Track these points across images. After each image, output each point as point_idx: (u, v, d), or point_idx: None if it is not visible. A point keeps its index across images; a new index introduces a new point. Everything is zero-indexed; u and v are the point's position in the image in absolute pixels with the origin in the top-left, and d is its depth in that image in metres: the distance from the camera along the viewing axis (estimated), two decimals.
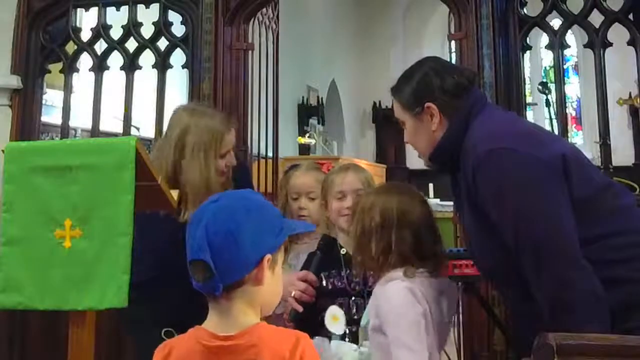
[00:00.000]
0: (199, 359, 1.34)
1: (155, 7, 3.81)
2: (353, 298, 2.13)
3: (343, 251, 2.19)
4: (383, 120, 10.74)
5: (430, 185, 8.36)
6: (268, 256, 1.36)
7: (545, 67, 10.58)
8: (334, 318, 1.81)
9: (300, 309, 2.09)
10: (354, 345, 1.99)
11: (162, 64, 3.75)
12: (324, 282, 2.18)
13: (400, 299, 1.82)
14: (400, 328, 1.79)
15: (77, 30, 3.95)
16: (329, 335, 2.04)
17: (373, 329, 1.87)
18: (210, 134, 2.28)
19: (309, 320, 2.07)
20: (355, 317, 2.08)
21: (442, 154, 1.88)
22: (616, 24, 3.27)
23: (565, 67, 7.02)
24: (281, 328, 1.46)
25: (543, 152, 1.73)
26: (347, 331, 2.04)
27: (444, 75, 1.91)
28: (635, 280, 1.67)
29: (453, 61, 3.89)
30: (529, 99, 8.39)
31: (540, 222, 1.67)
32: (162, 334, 2.01)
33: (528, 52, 3.69)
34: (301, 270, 2.22)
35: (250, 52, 3.77)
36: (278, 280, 1.42)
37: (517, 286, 1.75)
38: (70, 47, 3.95)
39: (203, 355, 1.34)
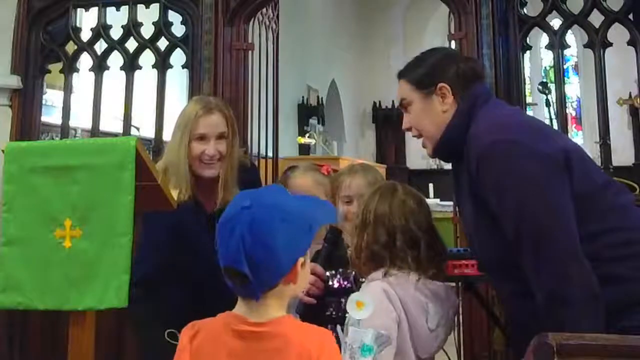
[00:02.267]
0: (227, 342, 1.37)
1: (155, 7, 3.81)
2: None
3: (349, 251, 2.19)
4: (383, 120, 10.75)
5: (430, 185, 8.38)
6: (301, 259, 1.40)
7: (545, 67, 10.59)
8: (359, 304, 1.78)
9: (312, 301, 2.08)
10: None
11: (162, 64, 3.74)
12: (330, 281, 2.18)
13: (374, 302, 1.82)
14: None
15: (77, 30, 3.95)
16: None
17: (351, 323, 1.86)
18: (186, 115, 2.31)
19: (315, 316, 2.06)
20: None
21: (449, 141, 1.86)
22: (616, 24, 3.27)
23: (565, 67, 7.01)
24: (307, 324, 1.49)
25: (547, 145, 1.73)
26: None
27: (459, 60, 1.93)
28: (633, 279, 1.66)
29: None
30: (529, 99, 8.40)
31: (542, 215, 1.66)
32: (166, 335, 2.00)
33: (528, 52, 3.69)
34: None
35: (250, 52, 3.77)
36: (307, 274, 1.48)
37: (515, 281, 1.75)
38: (70, 47, 3.94)
39: (231, 339, 1.37)
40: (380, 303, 1.81)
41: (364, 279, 2.13)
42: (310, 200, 1.56)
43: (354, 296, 1.76)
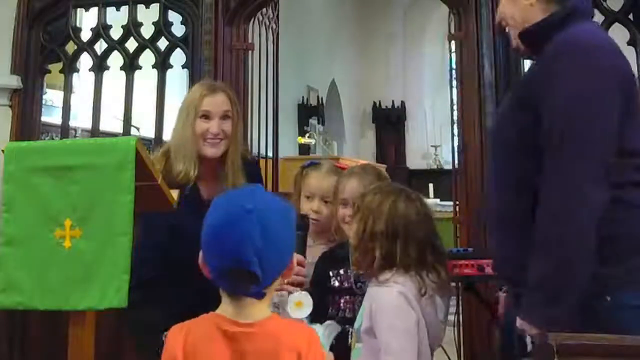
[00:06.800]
0: (218, 344, 1.38)
1: (155, 7, 3.81)
2: (360, 298, 2.12)
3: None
4: (383, 120, 10.76)
5: (430, 185, 8.39)
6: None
7: None
8: (297, 304, 1.83)
9: (296, 290, 2.07)
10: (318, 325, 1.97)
11: (162, 64, 3.74)
12: (331, 281, 2.18)
13: (394, 306, 1.82)
14: (392, 335, 1.79)
15: (77, 30, 3.95)
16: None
17: (365, 331, 1.87)
18: (191, 94, 2.36)
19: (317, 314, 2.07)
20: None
21: (531, 34, 1.87)
22: (616, 24, 3.27)
23: None
24: (293, 321, 1.54)
25: (628, 66, 1.76)
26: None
27: None
28: None
29: (453, 61, 3.88)
30: None
31: (587, 123, 1.64)
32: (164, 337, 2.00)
33: None
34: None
35: (250, 52, 3.77)
36: None
37: (534, 196, 1.69)
38: (70, 47, 3.94)
39: (222, 340, 1.38)
40: (400, 307, 1.82)
41: (364, 279, 2.14)
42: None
43: (295, 296, 1.80)
